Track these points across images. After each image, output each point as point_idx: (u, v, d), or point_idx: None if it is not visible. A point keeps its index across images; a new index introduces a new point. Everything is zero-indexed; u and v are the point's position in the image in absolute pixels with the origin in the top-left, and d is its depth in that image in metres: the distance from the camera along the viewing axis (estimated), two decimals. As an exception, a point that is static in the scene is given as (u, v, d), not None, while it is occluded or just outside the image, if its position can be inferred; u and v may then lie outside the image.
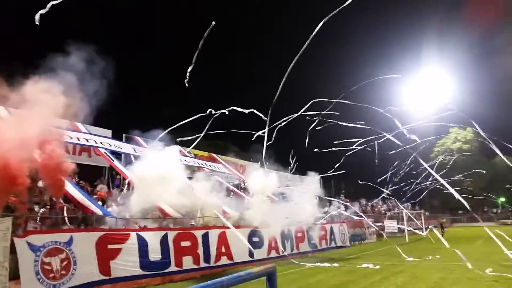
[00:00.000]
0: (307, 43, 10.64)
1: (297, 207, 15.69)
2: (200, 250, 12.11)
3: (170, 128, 13.84)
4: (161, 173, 11.55)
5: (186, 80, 11.11)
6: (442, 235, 23.51)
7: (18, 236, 7.72)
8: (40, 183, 10.99)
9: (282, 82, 11.59)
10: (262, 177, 15.30)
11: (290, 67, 11.33)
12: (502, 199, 44.58)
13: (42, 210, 10.40)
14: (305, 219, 16.37)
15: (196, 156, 19.96)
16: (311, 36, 10.52)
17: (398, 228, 26.98)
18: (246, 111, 13.41)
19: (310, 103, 13.93)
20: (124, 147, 16.42)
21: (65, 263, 8.32)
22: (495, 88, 42.74)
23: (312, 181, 18.01)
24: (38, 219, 9.78)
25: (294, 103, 14.45)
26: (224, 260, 12.86)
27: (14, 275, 7.29)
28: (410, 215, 27.63)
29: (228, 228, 13.20)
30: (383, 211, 30.89)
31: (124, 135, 18.12)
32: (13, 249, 7.39)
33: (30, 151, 8.66)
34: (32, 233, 8.24)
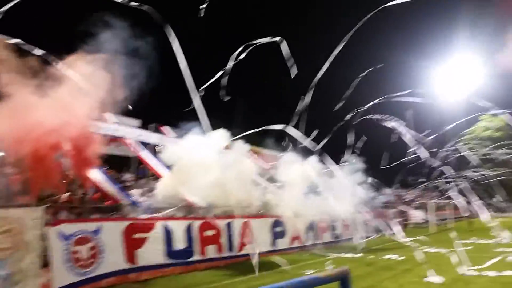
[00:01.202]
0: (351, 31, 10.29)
1: (333, 201, 15.48)
2: (224, 239, 12.35)
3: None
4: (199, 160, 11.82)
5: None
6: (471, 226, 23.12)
7: (49, 225, 8.06)
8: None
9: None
10: (296, 168, 15.28)
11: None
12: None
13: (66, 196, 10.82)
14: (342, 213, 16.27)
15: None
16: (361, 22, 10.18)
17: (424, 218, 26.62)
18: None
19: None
20: (152, 138, 16.79)
21: (93, 251, 8.67)
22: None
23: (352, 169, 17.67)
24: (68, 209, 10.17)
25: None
26: (247, 249, 13.05)
27: (44, 263, 7.62)
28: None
29: (251, 217, 13.42)
30: (408, 200, 30.37)
31: (153, 125, 18.42)
32: (42, 238, 7.71)
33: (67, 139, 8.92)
34: (63, 222, 8.57)
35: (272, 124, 13.74)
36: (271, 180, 15.63)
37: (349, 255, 13.62)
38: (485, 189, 22.76)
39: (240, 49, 11.28)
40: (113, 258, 9.13)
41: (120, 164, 16.06)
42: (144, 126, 17.66)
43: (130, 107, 11.27)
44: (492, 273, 8.81)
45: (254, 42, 11.09)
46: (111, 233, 9.27)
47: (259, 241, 13.45)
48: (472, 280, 8.35)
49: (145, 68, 9.63)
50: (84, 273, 8.32)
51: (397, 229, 12.42)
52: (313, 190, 15.33)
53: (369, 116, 15.25)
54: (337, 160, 17.06)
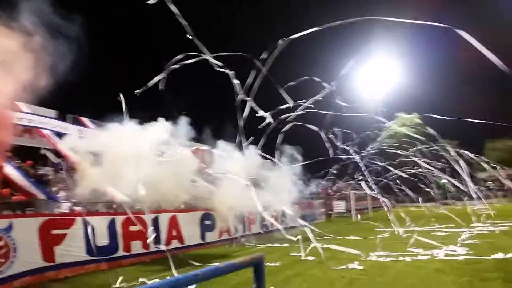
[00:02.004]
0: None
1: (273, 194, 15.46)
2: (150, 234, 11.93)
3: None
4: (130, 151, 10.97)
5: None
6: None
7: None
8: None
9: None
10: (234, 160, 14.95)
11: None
12: (444, 181, 47.08)
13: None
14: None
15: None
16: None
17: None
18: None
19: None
20: (69, 129, 15.73)
21: (3, 250, 7.91)
22: (439, 72, 45.06)
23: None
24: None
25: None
26: (175, 244, 12.76)
27: None
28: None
29: (179, 211, 13.11)
30: (331, 192, 31.72)
31: (70, 115, 17.31)
32: None
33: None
34: (-34, 219, 7.74)
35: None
36: (208, 174, 15.25)
37: (277, 244, 13.85)
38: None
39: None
40: (28, 257, 8.41)
41: (34, 157, 14.86)
42: (61, 117, 16.55)
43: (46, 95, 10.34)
44: (408, 258, 9.39)
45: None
46: (25, 230, 8.52)
47: (186, 234, 13.24)
48: (389, 265, 8.85)
49: (69, 53, 8.91)
50: (-7, 274, 7.57)
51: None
52: (251, 183, 15.25)
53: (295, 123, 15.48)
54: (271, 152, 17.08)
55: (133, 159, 10.87)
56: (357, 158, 18.06)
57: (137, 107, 12.45)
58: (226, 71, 10.89)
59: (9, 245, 8.06)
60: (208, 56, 10.75)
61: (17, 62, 8.03)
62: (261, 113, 11.92)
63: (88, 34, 9.23)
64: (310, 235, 11.28)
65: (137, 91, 10.69)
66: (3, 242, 7.96)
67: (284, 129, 14.31)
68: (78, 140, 12.91)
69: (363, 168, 18.71)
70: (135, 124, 12.10)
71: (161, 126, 12.58)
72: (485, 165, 16.84)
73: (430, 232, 15.17)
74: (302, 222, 12.75)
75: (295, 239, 11.94)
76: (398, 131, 45.38)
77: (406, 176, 21.54)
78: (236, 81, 10.87)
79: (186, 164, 13.00)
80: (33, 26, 8.16)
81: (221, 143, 15.27)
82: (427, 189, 25.73)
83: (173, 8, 9.38)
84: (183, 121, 13.51)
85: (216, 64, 10.87)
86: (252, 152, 15.59)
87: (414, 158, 19.75)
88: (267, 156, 15.14)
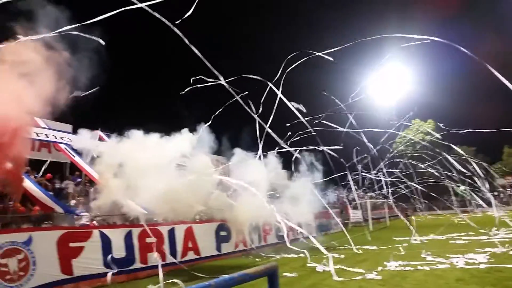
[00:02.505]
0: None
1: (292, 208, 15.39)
2: (166, 246, 11.97)
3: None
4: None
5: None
6: (410, 223, 24.24)
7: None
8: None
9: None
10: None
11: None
12: (462, 188, 46.32)
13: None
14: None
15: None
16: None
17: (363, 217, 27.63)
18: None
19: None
20: (85, 143, 15.92)
21: (23, 263, 8.01)
22: (454, 81, 44.52)
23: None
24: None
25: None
26: (191, 255, 12.76)
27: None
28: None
29: (195, 223, 13.11)
30: (346, 201, 31.42)
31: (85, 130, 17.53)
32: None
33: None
34: (-13, 233, 7.88)
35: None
36: (227, 185, 15.12)
37: (294, 255, 13.73)
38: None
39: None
40: (47, 270, 8.51)
41: (52, 171, 15.11)
42: (75, 131, 16.80)
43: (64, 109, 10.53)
44: (426, 267, 9.22)
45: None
46: (44, 243, 8.64)
47: (202, 246, 13.23)
48: (408, 274, 8.69)
49: (88, 68, 9.09)
50: (12, 287, 7.66)
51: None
52: (271, 193, 15.14)
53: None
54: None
55: (153, 170, 10.95)
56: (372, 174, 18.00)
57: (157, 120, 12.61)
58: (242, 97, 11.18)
59: (29, 258, 8.17)
60: (223, 81, 11.03)
61: (38, 75, 8.21)
62: (294, 105, 12.17)
63: (107, 50, 9.41)
64: (320, 247, 11.27)
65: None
66: (23, 255, 8.08)
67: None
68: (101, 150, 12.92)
69: (379, 181, 18.62)
70: (157, 135, 12.25)
71: (184, 138, 12.63)
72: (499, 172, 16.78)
73: (449, 240, 14.90)
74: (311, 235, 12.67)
75: (304, 251, 11.90)
76: (413, 139, 44.96)
77: (420, 187, 21.35)
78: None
79: (206, 175, 12.98)
80: (53, 40, 8.34)
81: (238, 152, 15.09)
82: (445, 198, 25.35)
83: (181, 34, 9.66)
84: (204, 131, 13.51)
85: (230, 89, 11.20)
86: (273, 161, 15.55)
87: (429, 169, 19.58)
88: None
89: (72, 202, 12.92)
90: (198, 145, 12.95)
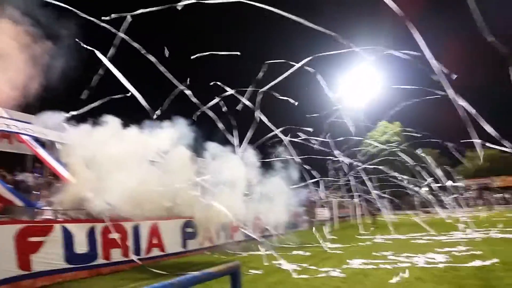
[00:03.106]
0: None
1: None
2: (130, 242, 11.76)
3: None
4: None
5: None
6: (374, 223, 24.88)
7: None
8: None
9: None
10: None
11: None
12: (424, 189, 47.81)
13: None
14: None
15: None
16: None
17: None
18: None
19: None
20: (49, 134, 15.43)
21: (-23, 258, 7.70)
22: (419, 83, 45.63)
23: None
24: None
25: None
26: (155, 252, 12.60)
27: None
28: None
29: (160, 219, 12.91)
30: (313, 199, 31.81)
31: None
32: None
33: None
34: None
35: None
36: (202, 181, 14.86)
37: (260, 252, 13.77)
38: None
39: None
40: (3, 265, 8.20)
41: (13, 163, 14.58)
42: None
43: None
44: (388, 266, 9.45)
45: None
46: (0, 237, 8.31)
47: (167, 243, 13.09)
48: (370, 272, 8.89)
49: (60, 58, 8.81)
50: (-35, 283, 7.35)
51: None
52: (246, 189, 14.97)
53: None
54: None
55: (124, 164, 10.69)
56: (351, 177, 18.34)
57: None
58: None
59: (-16, 253, 7.85)
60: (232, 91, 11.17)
61: (10, 62, 7.89)
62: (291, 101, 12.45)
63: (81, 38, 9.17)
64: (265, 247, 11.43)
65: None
66: (-22, 250, 7.75)
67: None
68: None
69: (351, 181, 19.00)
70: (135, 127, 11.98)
71: (164, 132, 12.39)
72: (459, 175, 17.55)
73: (410, 240, 15.33)
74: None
75: (264, 251, 11.99)
76: (380, 139, 45.94)
77: (382, 193, 21.94)
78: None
79: (180, 171, 12.79)
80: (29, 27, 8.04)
81: (212, 146, 14.83)
82: (409, 198, 26.08)
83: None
84: (181, 125, 13.11)
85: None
86: (250, 156, 15.35)
87: (393, 173, 20.12)
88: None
89: (33, 195, 12.48)
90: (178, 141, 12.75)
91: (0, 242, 8.25)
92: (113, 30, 9.61)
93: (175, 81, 11.61)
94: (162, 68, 10.95)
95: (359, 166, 21.67)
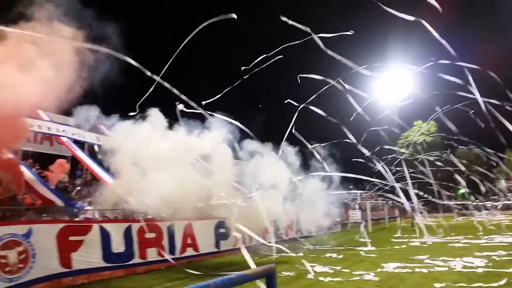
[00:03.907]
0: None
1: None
2: (165, 242, 12.01)
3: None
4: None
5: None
6: (413, 225, 24.03)
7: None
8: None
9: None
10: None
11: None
12: (462, 191, 46.26)
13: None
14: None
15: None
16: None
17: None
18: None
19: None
20: (87, 136, 15.99)
21: (23, 256, 8.05)
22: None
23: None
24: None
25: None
26: (189, 252, 12.81)
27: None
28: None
29: (194, 219, 13.08)
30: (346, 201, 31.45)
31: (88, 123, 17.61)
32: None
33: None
34: (-13, 225, 7.91)
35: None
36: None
37: (292, 254, 13.75)
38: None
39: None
40: (46, 262, 8.55)
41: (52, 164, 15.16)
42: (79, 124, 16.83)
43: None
44: (424, 270, 9.24)
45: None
46: (43, 236, 8.68)
47: (201, 243, 13.26)
48: (405, 276, 8.71)
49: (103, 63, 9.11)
50: (11, 279, 7.71)
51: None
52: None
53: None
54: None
55: (163, 164, 10.83)
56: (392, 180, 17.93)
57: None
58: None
59: (28, 250, 8.21)
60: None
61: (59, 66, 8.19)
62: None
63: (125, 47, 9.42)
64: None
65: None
66: (23, 248, 8.11)
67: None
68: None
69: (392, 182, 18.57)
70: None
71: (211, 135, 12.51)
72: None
73: (448, 243, 14.92)
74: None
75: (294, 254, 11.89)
76: (416, 139, 44.78)
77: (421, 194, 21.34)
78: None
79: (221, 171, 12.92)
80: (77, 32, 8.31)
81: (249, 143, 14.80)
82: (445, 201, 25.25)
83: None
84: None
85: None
86: (290, 156, 15.19)
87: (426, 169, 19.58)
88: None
89: (73, 195, 12.94)
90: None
91: (44, 240, 8.62)
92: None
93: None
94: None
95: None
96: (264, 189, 13.34)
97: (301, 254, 13.49)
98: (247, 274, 2.41)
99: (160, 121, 11.85)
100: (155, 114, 11.79)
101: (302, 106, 13.53)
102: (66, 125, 15.53)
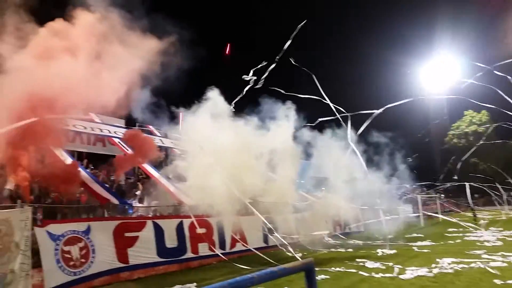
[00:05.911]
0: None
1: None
2: (215, 237, 12.26)
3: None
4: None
5: None
6: (475, 219, 22.89)
7: (38, 226, 7.90)
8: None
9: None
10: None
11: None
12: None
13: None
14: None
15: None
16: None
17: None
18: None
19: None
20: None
21: (84, 251, 8.51)
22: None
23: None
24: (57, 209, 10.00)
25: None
26: (239, 246, 12.98)
27: (36, 264, 7.48)
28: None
29: (242, 215, 13.24)
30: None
31: (137, 124, 18.28)
32: (32, 238, 7.52)
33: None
34: (52, 222, 8.39)
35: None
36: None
37: (341, 249, 13.64)
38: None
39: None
40: (105, 258, 8.99)
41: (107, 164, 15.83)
42: (128, 126, 17.48)
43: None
44: (481, 265, 8.85)
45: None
46: (101, 232, 9.12)
47: (249, 238, 13.40)
48: (461, 272, 8.41)
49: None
50: (76, 273, 8.17)
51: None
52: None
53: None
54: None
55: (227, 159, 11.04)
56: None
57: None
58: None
59: (88, 246, 8.66)
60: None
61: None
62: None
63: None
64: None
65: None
66: (83, 244, 8.57)
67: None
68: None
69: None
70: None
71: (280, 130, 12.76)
72: None
73: (506, 238, 14.20)
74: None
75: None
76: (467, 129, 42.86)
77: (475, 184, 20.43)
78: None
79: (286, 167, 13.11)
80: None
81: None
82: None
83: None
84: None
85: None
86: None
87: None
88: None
89: (127, 194, 13.45)
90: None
91: (103, 237, 9.07)
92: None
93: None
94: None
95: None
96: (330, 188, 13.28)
97: (350, 250, 13.34)
98: (287, 268, 2.57)
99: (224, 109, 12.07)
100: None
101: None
102: (118, 126, 16.17)
